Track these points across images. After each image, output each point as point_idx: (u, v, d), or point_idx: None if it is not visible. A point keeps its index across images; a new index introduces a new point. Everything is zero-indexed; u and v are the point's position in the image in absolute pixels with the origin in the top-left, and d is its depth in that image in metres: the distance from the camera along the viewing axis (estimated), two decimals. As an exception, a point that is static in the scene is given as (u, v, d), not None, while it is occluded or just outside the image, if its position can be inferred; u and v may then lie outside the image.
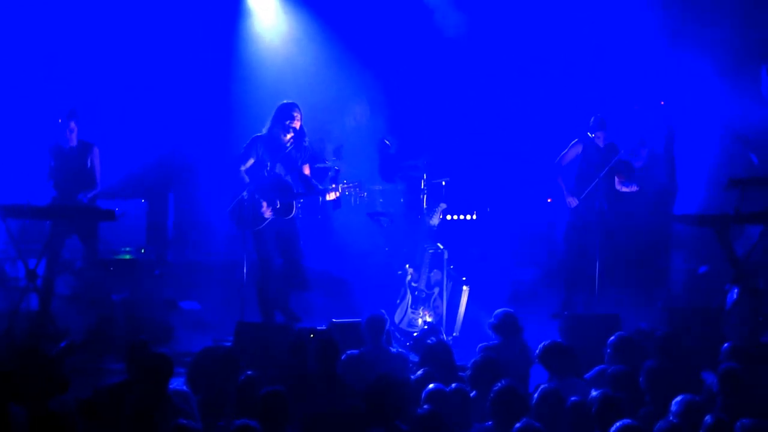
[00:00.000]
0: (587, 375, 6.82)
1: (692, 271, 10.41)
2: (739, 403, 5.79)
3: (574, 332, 8.07)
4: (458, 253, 9.70)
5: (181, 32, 10.78)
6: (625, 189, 9.35)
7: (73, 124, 8.99)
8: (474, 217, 10.84)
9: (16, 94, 10.20)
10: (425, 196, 9.83)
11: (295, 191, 8.68)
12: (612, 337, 6.93)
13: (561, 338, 7.76)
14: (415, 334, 8.93)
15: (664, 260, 10.68)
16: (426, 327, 8.92)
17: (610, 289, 9.35)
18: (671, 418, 5.44)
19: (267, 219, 8.58)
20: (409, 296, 9.12)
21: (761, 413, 5.46)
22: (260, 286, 8.74)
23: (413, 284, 9.13)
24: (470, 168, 11.13)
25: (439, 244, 9.20)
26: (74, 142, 9.05)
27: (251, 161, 8.65)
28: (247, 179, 8.57)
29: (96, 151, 9.14)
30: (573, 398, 5.73)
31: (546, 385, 6.00)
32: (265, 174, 8.62)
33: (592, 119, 9.41)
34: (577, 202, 9.27)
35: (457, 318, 9.26)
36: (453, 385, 6.03)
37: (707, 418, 5.26)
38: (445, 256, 9.09)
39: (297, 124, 8.64)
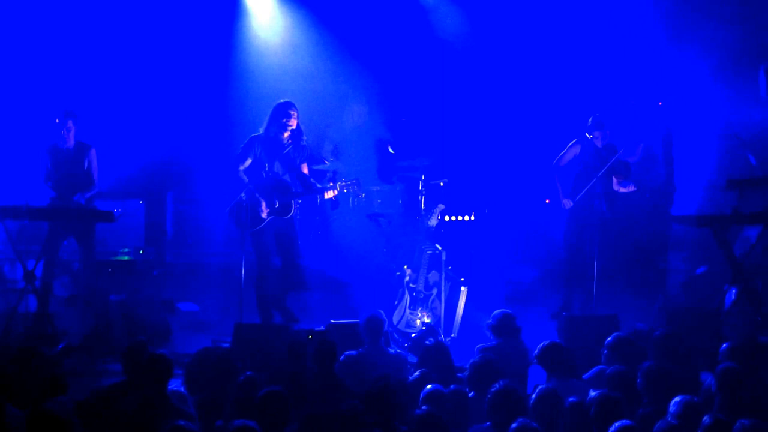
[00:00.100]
0: (585, 375, 6.81)
1: (690, 271, 10.39)
2: (738, 404, 5.78)
3: (572, 333, 8.04)
4: (456, 254, 9.69)
5: (178, 32, 10.78)
6: (622, 189, 9.35)
7: (70, 124, 8.99)
8: (472, 218, 10.84)
9: (13, 95, 10.20)
10: (423, 196, 9.84)
11: (293, 190, 8.69)
12: (610, 338, 6.92)
13: (559, 339, 7.73)
14: (413, 334, 8.91)
15: (662, 261, 10.69)
16: (424, 328, 8.89)
17: (609, 290, 9.36)
18: (670, 418, 5.42)
19: (266, 219, 8.59)
20: (407, 297, 9.10)
21: (760, 413, 5.46)
22: (258, 287, 8.74)
23: (411, 285, 9.12)
24: (468, 169, 11.15)
25: (437, 245, 9.19)
26: (71, 143, 9.04)
27: (249, 161, 8.66)
28: (246, 179, 8.58)
29: (93, 152, 9.14)
30: (571, 399, 5.73)
31: (544, 385, 5.99)
32: (264, 174, 8.63)
33: (590, 120, 9.43)
34: (572, 203, 9.28)
35: (456, 319, 9.24)
36: (451, 386, 6.04)
37: (706, 418, 5.25)
38: (443, 257, 9.07)
39: (294, 123, 8.65)
